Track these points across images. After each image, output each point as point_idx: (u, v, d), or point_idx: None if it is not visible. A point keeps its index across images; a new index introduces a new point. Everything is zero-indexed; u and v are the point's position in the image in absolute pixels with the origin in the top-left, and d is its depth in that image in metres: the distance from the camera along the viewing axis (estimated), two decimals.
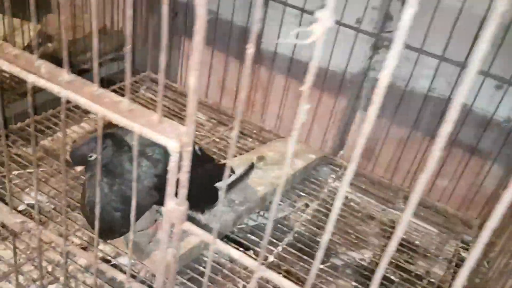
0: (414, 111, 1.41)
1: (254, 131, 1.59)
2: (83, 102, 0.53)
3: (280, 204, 1.29)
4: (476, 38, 1.20)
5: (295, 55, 1.49)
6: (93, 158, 0.84)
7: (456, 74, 1.30)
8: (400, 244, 1.24)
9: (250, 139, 1.54)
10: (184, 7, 1.67)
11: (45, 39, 1.60)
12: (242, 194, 1.18)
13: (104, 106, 0.52)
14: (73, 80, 0.53)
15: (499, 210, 0.35)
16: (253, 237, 1.16)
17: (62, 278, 0.99)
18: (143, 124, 0.51)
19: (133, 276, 1.00)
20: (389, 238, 1.27)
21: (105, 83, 1.61)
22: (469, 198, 1.40)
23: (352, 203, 1.38)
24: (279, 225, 1.23)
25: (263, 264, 0.50)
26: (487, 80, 1.26)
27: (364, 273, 1.15)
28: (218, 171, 1.15)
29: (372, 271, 1.16)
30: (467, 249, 1.27)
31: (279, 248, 1.15)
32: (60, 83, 0.54)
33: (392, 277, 1.15)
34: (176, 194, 0.54)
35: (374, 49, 1.46)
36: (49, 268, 1.01)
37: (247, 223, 1.21)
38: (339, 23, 1.35)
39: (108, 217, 0.87)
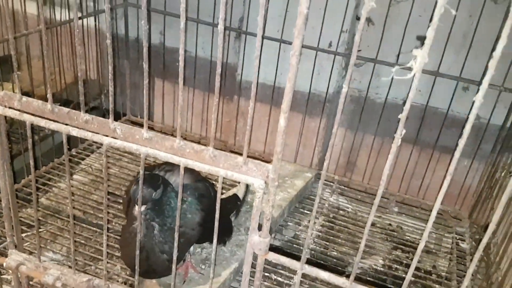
0: (392, 121, 1.53)
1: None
2: (164, 156, 0.57)
3: (288, 225, 1.35)
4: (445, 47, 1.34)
5: (277, 84, 1.57)
6: (157, 197, 0.85)
7: (428, 82, 1.43)
8: (404, 245, 1.34)
9: None
10: (155, 49, 1.72)
11: None
12: None
13: (187, 156, 0.56)
14: (152, 137, 0.57)
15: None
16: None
17: None
18: (229, 168, 0.55)
19: None
20: (391, 241, 1.36)
21: None
22: (454, 193, 1.52)
23: (350, 213, 1.46)
24: (293, 244, 1.28)
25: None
26: (453, 83, 1.39)
27: (382, 278, 1.22)
28: (226, 202, 1.19)
29: (386, 274, 1.24)
30: (463, 240, 1.38)
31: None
32: (137, 141, 0.58)
33: (405, 277, 1.23)
34: (259, 227, 0.59)
35: (346, 68, 1.57)
36: None
37: None
38: (316, 48, 1.45)
39: (154, 258, 0.89)
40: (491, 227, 0.48)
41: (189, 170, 1.02)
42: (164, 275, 0.94)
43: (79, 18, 1.47)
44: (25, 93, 1.62)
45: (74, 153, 1.51)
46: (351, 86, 1.60)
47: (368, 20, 1.49)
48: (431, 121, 1.51)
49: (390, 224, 1.44)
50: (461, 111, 1.48)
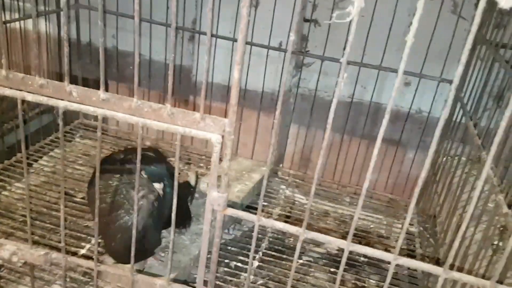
0: (340, 117, 1.60)
1: (202, 158, 1.66)
2: (122, 116, 0.59)
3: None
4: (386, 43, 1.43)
5: (230, 83, 1.61)
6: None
7: (372, 79, 1.52)
8: (356, 231, 1.39)
9: (202, 165, 1.61)
10: (109, 53, 1.72)
11: None
12: None
13: (145, 116, 0.58)
14: (109, 98, 0.59)
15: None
16: (233, 249, 1.22)
17: None
18: (186, 125, 0.58)
19: None
20: (344, 229, 1.41)
21: (42, 134, 1.58)
22: (402, 184, 1.61)
23: (305, 206, 1.50)
24: (253, 233, 1.30)
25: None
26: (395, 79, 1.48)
27: (336, 260, 1.27)
28: (180, 186, 1.21)
29: (341, 257, 1.28)
30: (412, 225, 1.46)
31: (260, 254, 1.22)
32: (94, 103, 0.59)
33: (361, 259, 1.28)
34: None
35: (296, 68, 1.64)
36: None
37: (224, 238, 1.27)
38: (267, 47, 1.51)
39: (154, 239, 0.92)
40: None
41: (157, 158, 1.06)
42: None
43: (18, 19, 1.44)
44: None
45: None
46: (301, 85, 1.66)
47: (315, 22, 1.57)
48: (378, 116, 1.60)
49: (342, 214, 1.50)
50: (404, 106, 1.57)
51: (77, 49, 1.70)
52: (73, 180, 1.43)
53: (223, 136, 0.57)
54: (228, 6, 1.51)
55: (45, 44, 1.62)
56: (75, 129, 1.73)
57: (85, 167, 1.52)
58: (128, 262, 0.91)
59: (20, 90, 0.60)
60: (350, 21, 0.49)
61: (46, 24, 1.57)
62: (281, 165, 1.74)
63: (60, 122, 0.61)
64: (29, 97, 0.60)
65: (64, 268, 0.70)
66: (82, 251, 1.15)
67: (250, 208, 1.40)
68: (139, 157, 0.61)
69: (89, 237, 1.20)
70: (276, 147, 1.71)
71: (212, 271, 0.65)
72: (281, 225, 0.61)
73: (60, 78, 1.69)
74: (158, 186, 0.97)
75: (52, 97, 0.60)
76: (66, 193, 1.36)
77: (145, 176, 0.94)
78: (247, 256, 1.21)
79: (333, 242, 0.60)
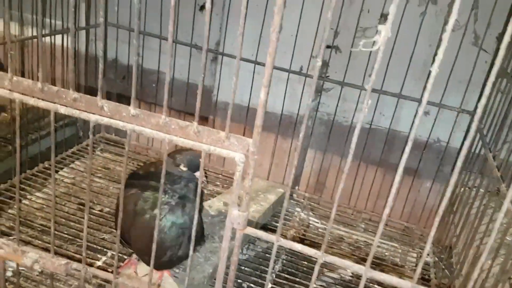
0: (357, 143, 1.61)
1: (219, 176, 1.68)
2: (149, 132, 0.61)
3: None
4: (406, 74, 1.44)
5: (251, 105, 1.64)
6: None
7: (392, 107, 1.53)
8: (373, 258, 1.38)
9: (218, 183, 1.63)
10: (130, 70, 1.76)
11: None
12: None
13: (172, 132, 0.60)
14: (138, 113, 0.61)
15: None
16: (246, 269, 1.22)
17: None
18: (211, 143, 0.60)
19: None
20: (359, 255, 1.40)
21: (64, 146, 1.61)
22: (418, 213, 1.59)
23: (320, 230, 1.50)
24: (266, 254, 1.31)
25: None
26: (415, 108, 1.49)
27: (350, 286, 1.25)
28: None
29: (355, 284, 1.27)
30: (427, 255, 1.44)
31: (273, 275, 1.22)
32: (124, 118, 0.61)
33: (374, 287, 1.27)
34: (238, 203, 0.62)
35: (316, 92, 1.66)
36: None
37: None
38: (288, 70, 1.54)
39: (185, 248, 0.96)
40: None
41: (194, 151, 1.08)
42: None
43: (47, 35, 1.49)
44: (1, 107, 1.64)
45: (46, 165, 1.51)
46: (320, 109, 1.68)
47: (336, 48, 1.59)
48: (395, 143, 1.60)
49: (357, 241, 1.49)
50: (422, 134, 1.57)
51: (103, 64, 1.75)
52: (92, 192, 1.46)
53: (246, 156, 0.59)
54: (251, 29, 1.55)
55: (72, 58, 1.67)
56: (96, 142, 1.76)
57: (104, 180, 1.55)
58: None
59: (54, 103, 0.63)
60: (374, 48, 0.50)
61: (75, 40, 1.62)
62: (296, 187, 1.75)
63: (91, 136, 0.63)
64: (62, 110, 0.63)
65: (83, 279, 0.71)
66: (98, 263, 1.17)
67: (264, 229, 1.41)
68: (163, 171, 0.62)
69: (105, 250, 1.21)
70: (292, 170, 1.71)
71: None
72: (299, 247, 0.61)
73: (85, 91, 1.74)
74: (199, 174, 1.00)
75: (84, 111, 0.62)
76: (84, 205, 1.38)
77: (184, 169, 0.95)
78: (260, 277, 1.21)
79: (351, 267, 0.60)
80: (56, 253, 0.71)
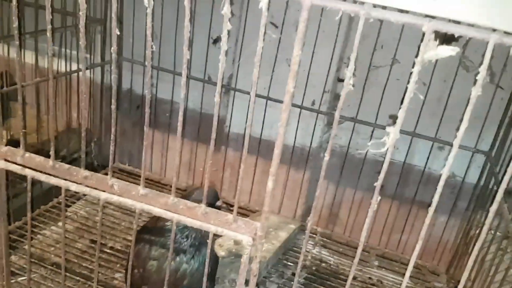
0: (371, 176, 1.59)
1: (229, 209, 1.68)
2: (158, 211, 0.61)
3: (271, 276, 1.36)
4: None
5: (263, 136, 1.64)
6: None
7: (406, 141, 1.51)
8: None
9: None
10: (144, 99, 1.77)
11: (12, 144, 1.61)
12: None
13: (180, 212, 0.60)
14: (147, 193, 0.61)
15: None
16: None
17: None
18: (219, 224, 0.60)
19: None
20: None
21: None
22: (432, 249, 1.57)
23: (332, 266, 1.48)
24: None
25: None
26: (428, 143, 1.48)
27: None
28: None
29: None
30: None
31: None
32: (133, 197, 0.62)
33: None
34: (246, 283, 0.62)
35: (328, 125, 1.65)
36: None
37: None
38: (300, 106, 1.53)
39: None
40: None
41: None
42: None
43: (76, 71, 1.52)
44: (16, 140, 1.67)
45: (60, 200, 1.52)
46: (333, 142, 1.67)
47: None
48: (409, 177, 1.58)
49: (370, 278, 1.47)
50: (437, 169, 1.55)
51: (117, 95, 1.77)
52: (104, 226, 1.47)
53: (254, 239, 0.59)
54: (264, 62, 1.55)
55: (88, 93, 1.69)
56: None
57: (117, 212, 1.56)
58: None
59: (65, 179, 0.64)
60: (383, 150, 0.50)
61: (90, 76, 1.64)
62: (308, 219, 1.74)
63: (100, 213, 0.64)
64: (73, 187, 0.63)
65: None
66: None
67: (275, 268, 1.40)
68: (171, 249, 0.63)
69: None
70: (304, 201, 1.71)
71: None
72: None
73: (100, 119, 1.76)
74: (219, 203, 1.03)
75: (95, 188, 0.63)
76: (96, 241, 1.40)
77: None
78: None
79: None
80: None
